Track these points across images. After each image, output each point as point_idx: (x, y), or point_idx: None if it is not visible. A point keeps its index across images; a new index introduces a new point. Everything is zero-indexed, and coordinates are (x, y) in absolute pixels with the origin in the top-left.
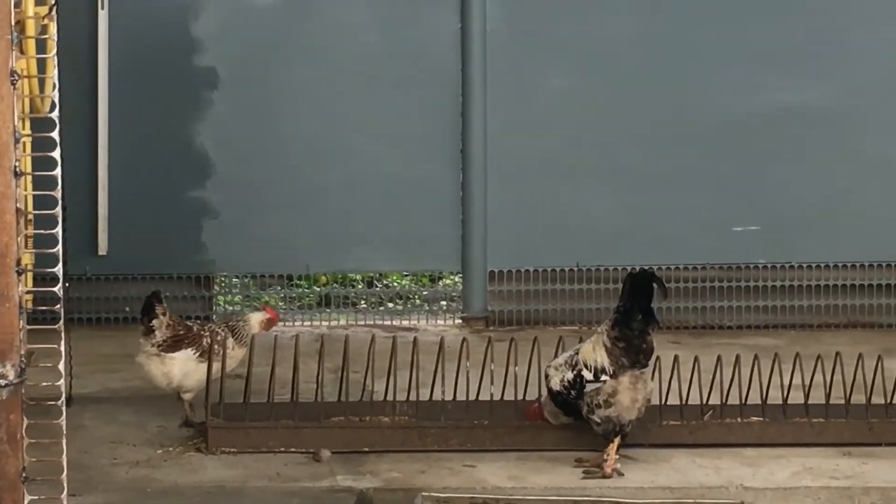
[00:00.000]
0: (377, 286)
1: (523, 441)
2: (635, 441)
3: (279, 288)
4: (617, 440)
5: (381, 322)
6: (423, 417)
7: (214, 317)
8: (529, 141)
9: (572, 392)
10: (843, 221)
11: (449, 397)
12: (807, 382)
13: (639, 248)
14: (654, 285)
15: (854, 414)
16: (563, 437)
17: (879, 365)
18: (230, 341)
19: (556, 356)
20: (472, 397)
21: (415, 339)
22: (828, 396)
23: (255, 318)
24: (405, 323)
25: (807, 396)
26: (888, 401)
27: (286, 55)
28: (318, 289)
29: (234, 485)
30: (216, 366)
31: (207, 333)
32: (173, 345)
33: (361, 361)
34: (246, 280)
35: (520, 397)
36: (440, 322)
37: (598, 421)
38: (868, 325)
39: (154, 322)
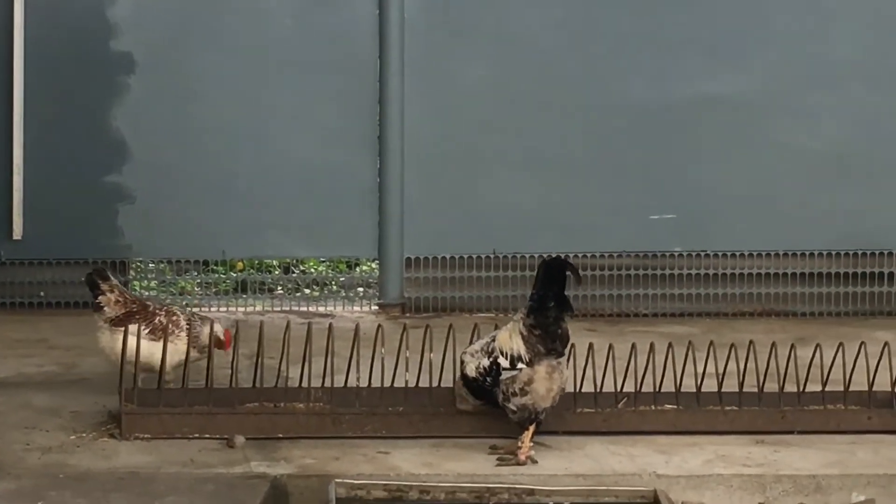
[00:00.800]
0: (294, 272)
1: (438, 428)
2: (549, 428)
3: (195, 273)
4: (532, 428)
5: (297, 308)
6: (337, 404)
7: None
8: (447, 128)
9: (488, 379)
10: (758, 210)
11: (364, 384)
12: (721, 370)
13: (555, 236)
14: (568, 272)
15: (767, 402)
16: (478, 424)
17: (792, 353)
18: (182, 334)
19: (471, 343)
20: (388, 384)
21: (330, 325)
22: (741, 384)
23: (208, 329)
24: (321, 309)
25: (720, 384)
26: (801, 389)
27: (203, 40)
28: (235, 274)
29: (147, 471)
30: (169, 346)
31: (163, 313)
32: (124, 319)
33: (277, 347)
34: (162, 265)
35: (435, 384)
36: (356, 308)
37: (514, 409)
38: (782, 313)
39: (101, 298)
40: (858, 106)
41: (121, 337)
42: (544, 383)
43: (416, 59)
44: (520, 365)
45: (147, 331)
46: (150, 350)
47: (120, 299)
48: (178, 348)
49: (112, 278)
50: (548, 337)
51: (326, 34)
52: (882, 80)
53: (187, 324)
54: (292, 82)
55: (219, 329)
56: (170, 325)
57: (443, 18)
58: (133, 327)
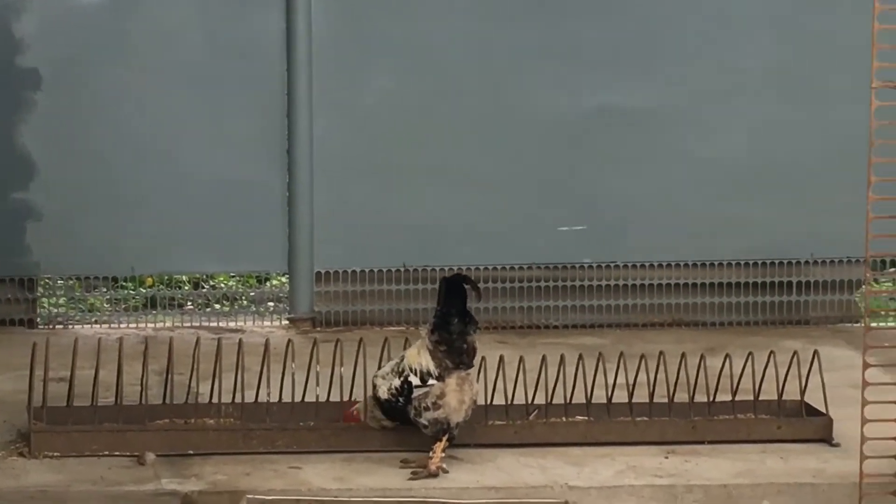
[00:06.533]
0: (204, 288)
1: (349, 442)
2: (461, 441)
3: (105, 290)
4: (444, 438)
5: (207, 324)
6: (248, 419)
7: (39, 319)
8: (356, 141)
9: (400, 399)
10: (666, 221)
11: (274, 399)
12: (631, 381)
13: (465, 248)
14: (467, 287)
15: (677, 413)
16: (390, 439)
17: (702, 364)
18: None
19: (381, 360)
20: (298, 399)
21: (240, 340)
22: (651, 395)
23: None
24: (232, 324)
25: (631, 395)
26: (711, 399)
27: (109, 55)
28: (144, 290)
29: (57, 489)
30: None
31: None
32: None
33: (187, 363)
34: (71, 282)
35: (346, 398)
36: (267, 323)
37: (426, 423)
38: (692, 323)
39: None
40: (766, 116)
41: None
42: (456, 395)
43: (325, 72)
44: (430, 381)
45: None
46: None
47: None
48: None
49: None
50: (453, 352)
51: (234, 48)
52: (790, 90)
53: None
54: (200, 97)
55: None
56: None
57: (350, 32)
58: None
